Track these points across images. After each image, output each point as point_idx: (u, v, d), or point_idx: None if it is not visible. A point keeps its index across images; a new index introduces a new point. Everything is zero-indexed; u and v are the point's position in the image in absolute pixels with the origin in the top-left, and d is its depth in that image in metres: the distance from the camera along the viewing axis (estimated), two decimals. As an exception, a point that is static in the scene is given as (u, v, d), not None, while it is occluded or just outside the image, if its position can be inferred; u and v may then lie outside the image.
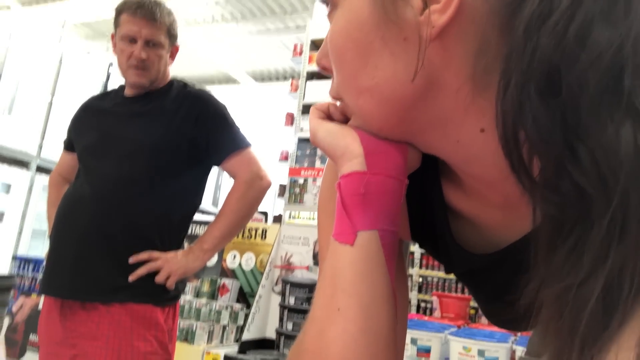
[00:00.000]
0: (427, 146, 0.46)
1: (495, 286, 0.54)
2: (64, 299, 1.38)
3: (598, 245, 0.29)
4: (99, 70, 6.60)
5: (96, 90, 6.35)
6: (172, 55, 1.59)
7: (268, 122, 9.09)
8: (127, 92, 1.56)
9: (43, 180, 5.86)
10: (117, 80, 6.45)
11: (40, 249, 5.83)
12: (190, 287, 2.78)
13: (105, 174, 1.43)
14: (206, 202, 8.07)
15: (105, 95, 1.67)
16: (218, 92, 9.58)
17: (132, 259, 1.38)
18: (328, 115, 0.49)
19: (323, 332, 0.42)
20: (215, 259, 2.99)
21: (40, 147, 5.85)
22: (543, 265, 0.33)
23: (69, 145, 1.67)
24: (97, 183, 1.42)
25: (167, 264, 1.39)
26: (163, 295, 1.41)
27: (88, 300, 1.35)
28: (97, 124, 1.53)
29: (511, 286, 0.51)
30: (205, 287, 2.75)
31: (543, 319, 0.32)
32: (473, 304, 3.09)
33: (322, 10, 4.33)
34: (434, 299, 2.82)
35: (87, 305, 1.35)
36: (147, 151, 1.43)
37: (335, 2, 0.43)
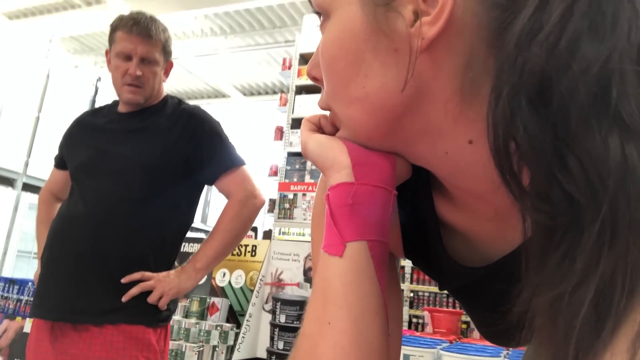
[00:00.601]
0: (416, 157, 0.46)
1: (490, 300, 0.53)
2: (55, 321, 1.35)
3: (589, 252, 0.29)
4: (86, 85, 6.57)
5: (84, 105, 6.33)
6: (167, 72, 1.59)
7: (257, 137, 9.10)
8: (121, 108, 1.56)
9: (29, 198, 5.78)
10: (105, 95, 6.43)
11: (25, 270, 5.72)
12: (179, 307, 2.73)
13: (100, 192, 1.41)
14: (196, 219, 8.00)
15: (97, 111, 1.66)
16: (207, 107, 9.57)
17: (124, 279, 1.36)
18: (319, 127, 0.50)
19: (315, 346, 0.41)
20: (204, 277, 2.95)
21: (27, 164, 5.78)
22: (535, 273, 0.33)
23: (60, 163, 1.65)
24: (91, 201, 1.41)
25: (159, 283, 1.38)
26: (155, 316, 1.40)
27: (80, 322, 1.33)
28: (91, 141, 1.52)
29: (505, 300, 0.51)
30: (195, 307, 2.72)
31: (537, 327, 0.32)
32: (465, 318, 3.08)
33: (311, 24, 4.36)
34: (426, 314, 2.81)
35: (78, 326, 1.33)
36: (141, 169, 1.41)
37: (327, 12, 0.43)
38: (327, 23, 0.44)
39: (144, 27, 1.47)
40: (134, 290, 1.35)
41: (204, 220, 8.08)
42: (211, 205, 8.23)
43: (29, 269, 5.80)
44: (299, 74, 4.06)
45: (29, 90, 5.86)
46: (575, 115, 0.30)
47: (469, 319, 3.05)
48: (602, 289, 0.28)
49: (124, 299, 1.34)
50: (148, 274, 1.39)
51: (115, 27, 1.51)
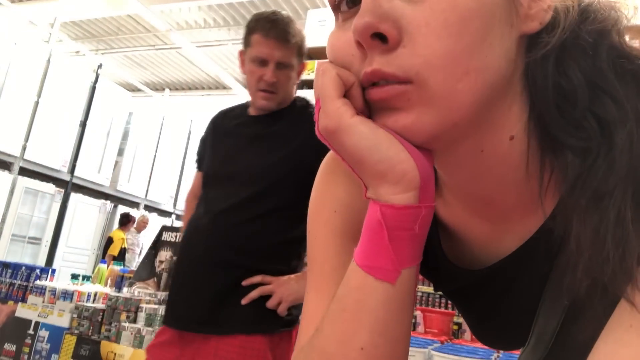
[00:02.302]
0: (450, 157, 0.42)
1: (485, 305, 0.53)
2: (179, 330, 1.39)
3: (624, 157, 0.36)
4: (87, 71, 6.54)
5: (84, 92, 6.29)
6: (299, 74, 1.52)
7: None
8: (252, 111, 1.53)
9: (25, 182, 5.76)
10: (105, 82, 6.40)
11: (19, 254, 5.71)
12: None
13: (220, 199, 1.42)
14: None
15: (230, 111, 1.64)
16: (207, 98, 9.56)
17: (245, 282, 1.36)
18: (345, 93, 0.39)
19: None
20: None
21: (24, 148, 5.75)
22: (572, 192, 0.38)
23: (200, 165, 1.65)
24: (212, 209, 1.42)
25: (279, 288, 1.36)
26: (275, 322, 1.38)
27: (200, 332, 1.36)
28: (220, 146, 1.53)
29: (501, 306, 0.51)
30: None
31: (575, 230, 0.37)
32: (457, 319, 3.09)
33: (315, 19, 4.33)
34: (418, 313, 2.82)
35: (203, 335, 1.36)
36: (262, 176, 1.40)
37: None
38: None
39: (281, 30, 1.40)
40: (254, 294, 1.35)
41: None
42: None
43: (22, 254, 5.79)
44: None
45: (29, 75, 5.83)
46: (601, 63, 0.40)
47: (460, 320, 3.07)
48: (637, 189, 0.35)
49: (243, 301, 1.35)
50: (268, 277, 1.37)
51: (252, 29, 1.44)
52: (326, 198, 0.53)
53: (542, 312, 0.42)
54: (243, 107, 1.58)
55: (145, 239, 6.84)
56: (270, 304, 1.35)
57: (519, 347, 0.54)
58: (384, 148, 0.37)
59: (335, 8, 0.42)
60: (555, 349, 0.40)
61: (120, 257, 5.61)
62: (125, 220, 6.19)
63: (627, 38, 0.41)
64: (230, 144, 1.49)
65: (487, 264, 0.48)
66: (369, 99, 0.38)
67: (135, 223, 6.23)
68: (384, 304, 0.38)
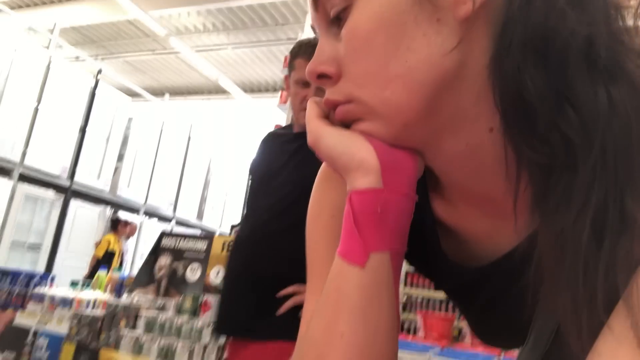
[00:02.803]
0: (436, 154, 0.44)
1: (485, 302, 0.53)
2: (220, 333, 1.56)
3: (585, 186, 0.34)
4: (87, 77, 6.54)
5: (84, 98, 6.29)
6: None
7: (257, 134, 9.06)
8: (295, 128, 1.65)
9: (25, 189, 5.76)
10: (105, 87, 6.40)
11: (18, 261, 5.70)
12: (172, 303, 2.72)
13: (262, 212, 1.51)
14: (191, 216, 8.00)
15: (278, 132, 1.77)
16: (207, 102, 9.56)
17: (279, 294, 1.43)
18: (327, 115, 0.46)
19: (323, 356, 0.40)
20: (198, 274, 2.94)
21: (24, 154, 5.74)
22: (538, 212, 0.38)
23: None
24: (254, 222, 1.51)
25: None
26: None
27: (240, 338, 1.46)
28: (264, 162, 1.62)
29: (500, 303, 0.52)
30: (187, 304, 2.70)
31: (545, 263, 0.36)
32: (457, 324, 3.07)
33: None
34: (419, 317, 2.81)
35: (245, 341, 1.46)
36: (296, 192, 1.46)
37: None
38: (354, 6, 0.41)
39: None
40: (288, 304, 1.41)
41: (199, 216, 8.06)
42: (207, 202, 8.21)
43: (22, 260, 5.78)
44: (300, 73, 4.05)
45: (29, 81, 5.83)
46: (570, 69, 0.36)
47: (461, 324, 3.05)
48: (598, 216, 0.33)
49: (278, 312, 1.41)
50: (303, 287, 1.45)
51: (295, 54, 1.60)
52: (323, 204, 0.55)
53: (538, 313, 0.42)
54: (288, 127, 1.73)
55: (139, 245, 6.84)
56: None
57: (519, 346, 0.54)
58: (345, 142, 0.43)
59: None
60: (553, 349, 0.39)
61: (105, 259, 5.47)
62: (115, 224, 5.97)
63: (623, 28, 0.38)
64: (273, 160, 1.60)
65: (487, 261, 0.49)
66: (335, 119, 0.45)
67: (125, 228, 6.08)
68: (358, 289, 0.40)
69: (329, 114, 0.46)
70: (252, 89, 9.01)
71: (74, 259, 6.26)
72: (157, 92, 9.57)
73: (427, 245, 0.52)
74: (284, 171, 1.53)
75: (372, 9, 0.40)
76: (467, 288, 0.53)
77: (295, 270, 1.42)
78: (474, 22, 0.39)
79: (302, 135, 1.58)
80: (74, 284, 2.93)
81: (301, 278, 1.44)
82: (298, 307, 1.40)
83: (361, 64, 0.41)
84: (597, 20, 0.37)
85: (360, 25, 0.40)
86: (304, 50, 1.56)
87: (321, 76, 0.44)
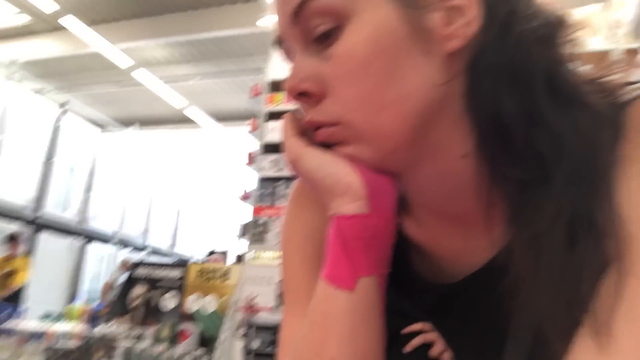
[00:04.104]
0: (412, 180, 0.45)
1: (456, 322, 0.54)
2: None
3: (557, 196, 0.37)
4: (52, 108, 6.44)
5: (47, 130, 6.18)
6: None
7: (228, 162, 9.05)
8: None
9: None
10: (72, 120, 6.31)
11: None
12: (149, 332, 2.68)
13: None
14: (164, 245, 7.85)
15: None
16: (176, 132, 9.46)
17: (404, 331, 1.35)
18: (304, 132, 0.45)
19: None
20: (174, 302, 2.90)
21: (-13, 188, 5.56)
22: (513, 224, 0.40)
23: None
24: None
25: (440, 336, 1.33)
26: None
27: None
28: None
29: (471, 323, 0.53)
30: (165, 333, 2.66)
31: (520, 271, 0.38)
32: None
33: (280, 53, 4.42)
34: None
35: None
36: None
37: (347, 15, 0.41)
38: (347, 27, 0.41)
39: None
40: (416, 341, 1.32)
41: (173, 245, 7.92)
42: (181, 230, 8.09)
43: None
44: (270, 100, 4.11)
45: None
46: (537, 95, 0.40)
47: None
48: (570, 222, 0.36)
49: (405, 349, 1.32)
50: (429, 325, 1.34)
51: None
52: (297, 224, 0.55)
53: (514, 327, 0.43)
54: None
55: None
56: (432, 352, 1.33)
57: None
58: (328, 166, 0.42)
59: (287, 59, 0.48)
60: None
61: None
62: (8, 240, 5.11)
63: (576, 60, 0.43)
64: None
65: (460, 278, 0.50)
66: (317, 140, 0.44)
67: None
68: (347, 313, 0.40)
69: (307, 132, 0.45)
70: (221, 117, 9.02)
71: (44, 292, 6.03)
72: (126, 123, 9.45)
73: (399, 265, 0.52)
74: None
75: (369, 33, 0.40)
76: (441, 306, 0.54)
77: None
78: (457, 55, 0.41)
79: None
80: (45, 316, 2.85)
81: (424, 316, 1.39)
82: (425, 345, 1.34)
83: (354, 88, 0.41)
84: (557, 55, 0.41)
85: (357, 48, 0.40)
86: None
87: (302, 94, 0.43)
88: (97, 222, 6.58)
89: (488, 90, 0.40)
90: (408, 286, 0.53)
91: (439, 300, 0.53)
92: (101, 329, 2.71)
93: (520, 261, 0.38)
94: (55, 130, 6.20)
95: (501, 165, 0.40)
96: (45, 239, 6.08)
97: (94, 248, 6.39)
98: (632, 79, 0.45)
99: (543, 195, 0.38)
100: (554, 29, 0.43)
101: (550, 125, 0.39)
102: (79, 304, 3.05)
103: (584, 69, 0.44)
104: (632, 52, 2.64)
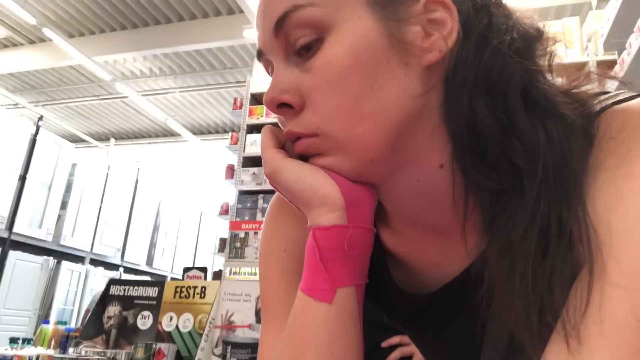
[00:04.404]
0: (389, 190, 0.46)
1: (434, 329, 0.54)
2: None
3: (531, 206, 0.38)
4: (27, 123, 6.30)
5: (24, 144, 6.04)
6: None
7: (207, 175, 8.97)
8: None
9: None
10: (46, 134, 6.18)
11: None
12: (122, 354, 2.58)
13: None
14: (141, 262, 7.70)
15: None
16: (156, 146, 9.39)
17: (384, 343, 1.39)
18: (283, 145, 0.46)
19: None
20: (150, 321, 2.82)
21: (-43, 205, 5.39)
22: (488, 233, 0.41)
23: None
24: None
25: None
26: None
27: None
28: None
29: (449, 329, 0.53)
30: (140, 353, 2.57)
31: (494, 278, 0.39)
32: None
33: (262, 67, 4.43)
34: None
35: None
36: None
37: (327, 27, 0.41)
38: (327, 39, 0.41)
39: None
40: (394, 355, 1.37)
41: (149, 262, 7.76)
42: (157, 247, 7.94)
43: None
44: (250, 113, 4.08)
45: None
46: (511, 107, 0.40)
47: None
48: (543, 230, 0.37)
49: None
50: (407, 338, 1.39)
51: None
52: (275, 238, 0.54)
53: (489, 333, 0.44)
54: None
55: (85, 296, 6.47)
56: None
57: None
58: (307, 177, 0.42)
59: (268, 71, 0.48)
60: None
61: None
62: None
63: (552, 72, 0.44)
64: None
65: (436, 287, 0.50)
66: (295, 151, 0.44)
67: None
68: (325, 324, 0.40)
69: (286, 144, 0.46)
70: (201, 130, 8.96)
71: (13, 315, 5.83)
72: (102, 137, 9.33)
73: (377, 276, 0.52)
74: None
75: (348, 45, 0.40)
76: (417, 316, 0.54)
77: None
78: (434, 68, 0.42)
79: None
80: (13, 341, 2.73)
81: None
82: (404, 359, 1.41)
83: (333, 99, 0.41)
84: (533, 67, 0.42)
85: (336, 60, 0.41)
86: None
87: (282, 105, 0.43)
88: (71, 241, 6.42)
89: (464, 102, 0.41)
90: (385, 296, 0.53)
91: (415, 309, 0.53)
92: (72, 352, 2.61)
93: (495, 269, 0.39)
94: (31, 145, 6.06)
95: (476, 175, 0.41)
96: (15, 258, 5.89)
97: (66, 267, 6.22)
98: (607, 89, 0.45)
99: (517, 204, 0.39)
100: (531, 41, 0.43)
101: (525, 136, 0.39)
102: (49, 326, 2.93)
103: (560, 80, 0.45)
104: (607, 64, 2.69)
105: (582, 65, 2.84)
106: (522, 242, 0.38)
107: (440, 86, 0.42)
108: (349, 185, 0.43)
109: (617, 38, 2.15)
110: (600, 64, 2.86)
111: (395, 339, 1.41)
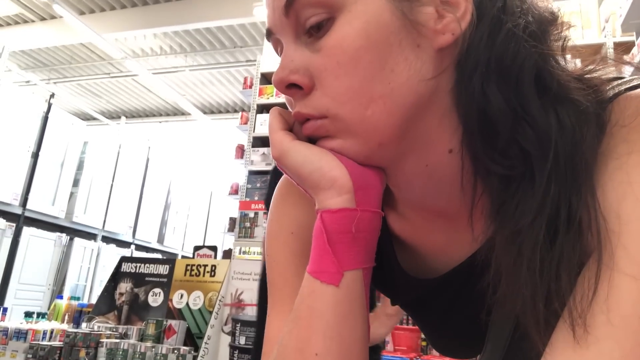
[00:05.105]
0: (398, 174, 0.45)
1: (441, 313, 0.55)
2: None
3: (541, 192, 0.37)
4: (39, 101, 6.34)
5: (36, 122, 6.09)
6: None
7: (217, 155, 8.99)
8: None
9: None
10: (58, 112, 6.22)
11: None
12: (134, 330, 2.64)
13: None
14: (152, 239, 7.79)
15: None
16: (166, 125, 9.38)
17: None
18: (291, 127, 0.45)
19: None
20: (161, 298, 2.87)
21: (-28, 182, 5.47)
22: (496, 219, 0.40)
23: None
24: None
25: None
26: None
27: None
28: None
29: (455, 313, 0.53)
30: (151, 330, 2.62)
31: (501, 264, 0.38)
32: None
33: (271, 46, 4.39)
34: (387, 332, 2.81)
35: None
36: None
37: (339, 6, 0.40)
38: (338, 19, 0.40)
39: None
40: None
41: (160, 240, 7.86)
42: (168, 225, 8.02)
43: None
44: (260, 93, 4.07)
45: (-24, 106, 5.59)
46: (524, 93, 0.40)
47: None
48: (552, 217, 0.37)
49: None
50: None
51: None
52: (283, 220, 0.54)
53: (494, 320, 0.44)
54: None
55: (97, 272, 6.59)
56: None
57: (476, 355, 0.56)
58: (315, 160, 0.42)
59: (277, 51, 0.47)
60: (512, 350, 0.41)
61: None
62: None
63: (565, 57, 0.43)
64: None
65: (443, 271, 0.50)
66: (304, 134, 0.44)
67: None
68: (332, 307, 0.40)
69: (294, 126, 0.45)
70: (211, 110, 8.95)
71: (27, 290, 5.96)
72: (113, 115, 9.36)
73: (383, 260, 0.52)
74: None
75: (360, 25, 0.39)
76: (423, 300, 0.54)
77: None
78: (446, 50, 0.41)
79: None
80: (28, 315, 2.80)
81: None
82: None
83: (344, 80, 0.40)
84: (547, 51, 0.41)
85: (348, 40, 0.40)
86: None
87: (291, 86, 0.43)
88: (83, 218, 6.50)
89: (476, 86, 0.40)
90: (391, 280, 0.53)
91: (421, 294, 0.53)
92: (85, 327, 2.67)
93: (502, 256, 0.39)
94: (43, 123, 6.10)
95: (486, 160, 0.41)
96: (29, 234, 5.99)
97: (79, 243, 6.31)
98: (623, 73, 0.44)
99: (526, 191, 0.38)
100: (546, 25, 0.42)
101: (537, 121, 0.39)
102: (63, 301, 3.00)
103: (574, 63, 0.44)
104: (625, 45, 2.63)
105: (598, 47, 2.78)
106: (530, 229, 0.37)
107: (451, 69, 0.41)
108: (358, 169, 0.42)
109: (636, 19, 2.10)
110: (618, 45, 2.79)
111: None
